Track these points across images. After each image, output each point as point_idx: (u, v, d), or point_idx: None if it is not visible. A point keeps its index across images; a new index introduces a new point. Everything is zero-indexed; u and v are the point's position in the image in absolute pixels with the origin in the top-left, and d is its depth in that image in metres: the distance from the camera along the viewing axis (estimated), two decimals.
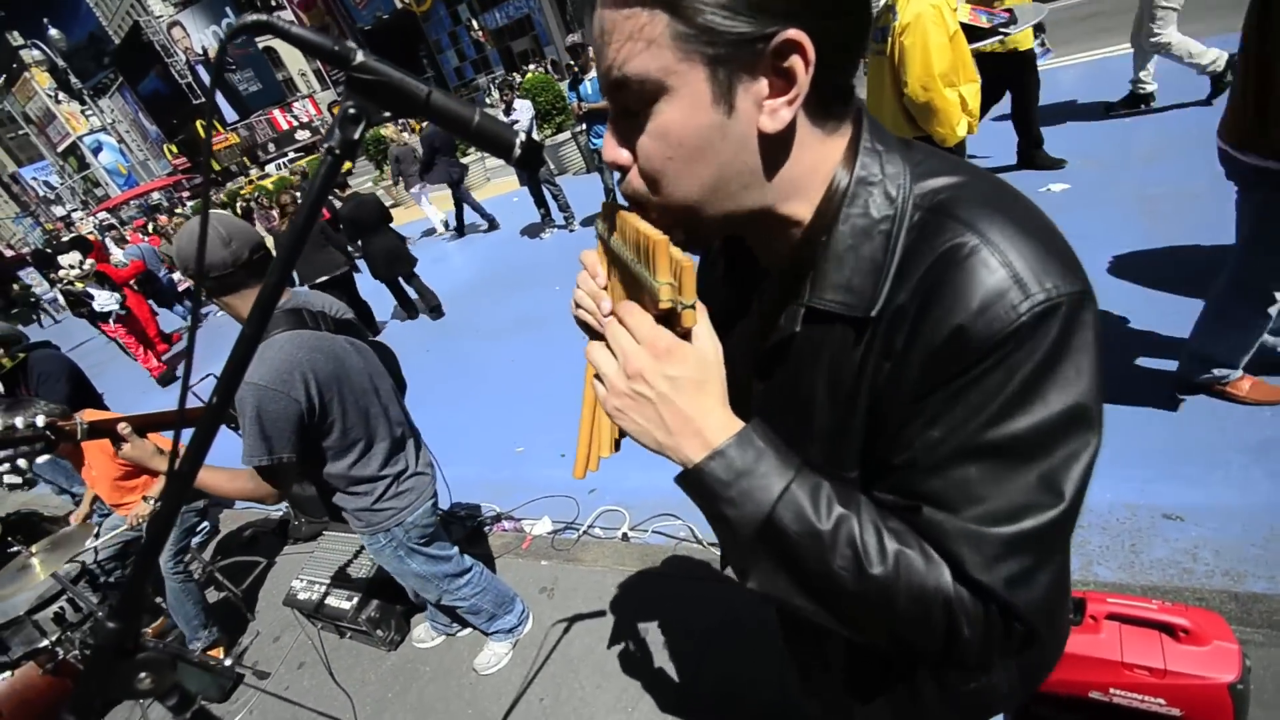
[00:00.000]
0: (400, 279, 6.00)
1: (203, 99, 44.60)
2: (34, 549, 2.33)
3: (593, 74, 5.66)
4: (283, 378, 1.52)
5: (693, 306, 0.52)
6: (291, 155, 33.84)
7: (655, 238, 0.50)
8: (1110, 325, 2.72)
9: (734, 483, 0.51)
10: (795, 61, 0.47)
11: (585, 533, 2.90)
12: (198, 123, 44.57)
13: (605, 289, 0.61)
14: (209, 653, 2.80)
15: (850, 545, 0.50)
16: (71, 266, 7.28)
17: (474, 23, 30.85)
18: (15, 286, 16.79)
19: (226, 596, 3.11)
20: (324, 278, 5.42)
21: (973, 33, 3.10)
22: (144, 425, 1.60)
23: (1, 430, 1.39)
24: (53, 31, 19.89)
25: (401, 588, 2.36)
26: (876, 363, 0.52)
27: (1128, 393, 2.37)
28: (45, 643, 2.46)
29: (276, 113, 42.60)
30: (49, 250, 8.50)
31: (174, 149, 48.50)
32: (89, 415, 1.74)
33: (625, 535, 2.81)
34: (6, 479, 1.48)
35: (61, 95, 42.51)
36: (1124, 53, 4.96)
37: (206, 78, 43.13)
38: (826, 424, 0.57)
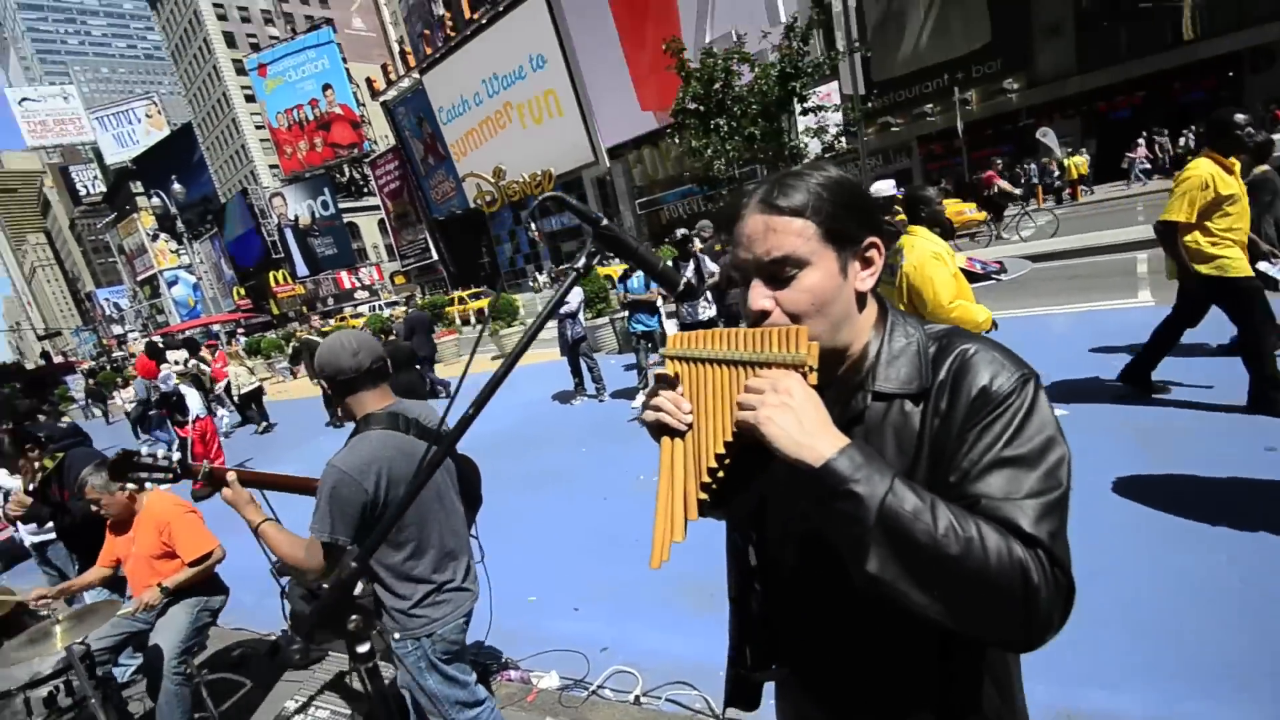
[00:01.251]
0: None
1: (280, 255, 49.87)
2: (61, 617, 2.35)
3: (639, 273, 6.57)
4: (361, 469, 1.74)
5: (815, 370, 0.78)
6: (348, 311, 36.64)
7: (796, 327, 0.80)
8: None
9: (857, 472, 0.73)
10: (874, 254, 0.86)
11: (595, 692, 2.78)
12: (270, 274, 49.14)
13: (681, 394, 0.87)
14: None
15: (946, 517, 0.70)
16: (176, 362, 7.81)
17: (532, 225, 35.30)
18: (57, 391, 17.55)
19: (205, 717, 2.93)
20: None
21: (969, 276, 3.70)
22: (247, 479, 1.81)
23: (147, 455, 1.62)
24: (176, 186, 23.59)
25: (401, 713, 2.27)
26: (930, 419, 0.82)
27: None
28: None
29: (344, 274, 47.03)
30: (161, 345, 9.21)
31: (241, 291, 52.98)
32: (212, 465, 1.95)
33: (638, 699, 2.70)
34: (154, 482, 1.67)
35: (160, 235, 47.70)
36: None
37: (291, 238, 48.67)
38: (895, 467, 0.81)
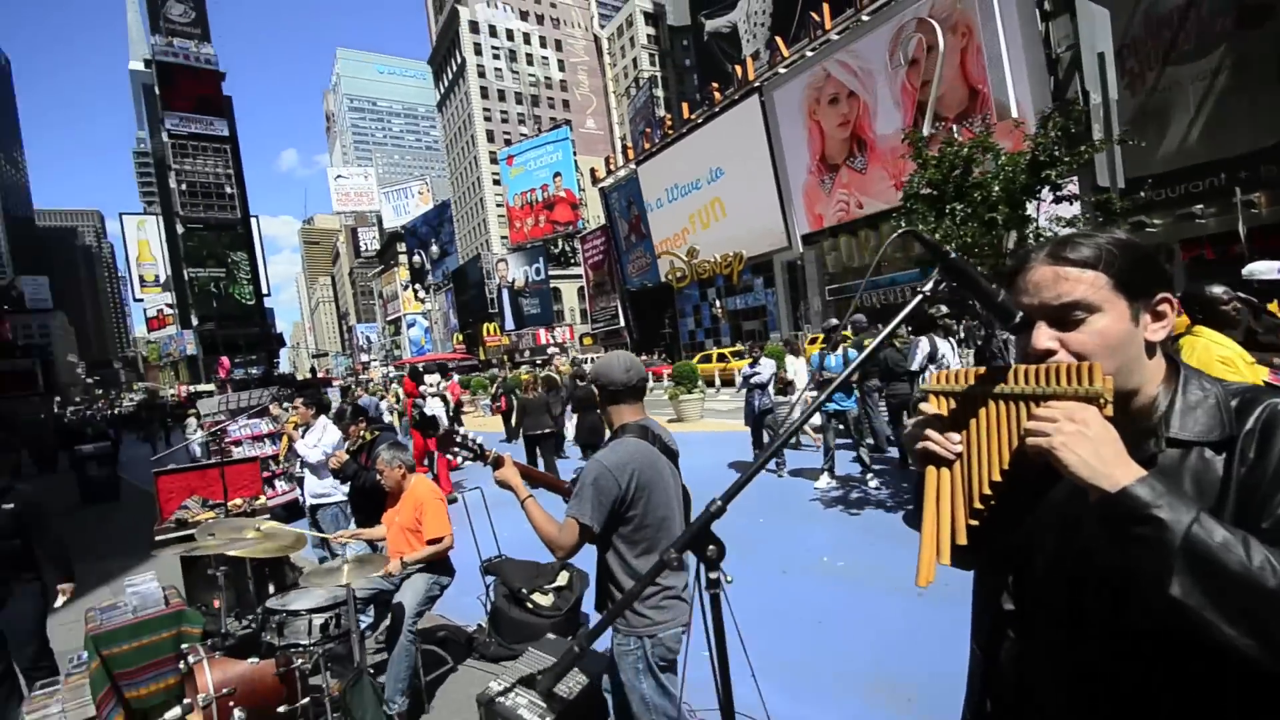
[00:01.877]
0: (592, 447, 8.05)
1: (495, 311, 57.34)
2: (349, 558, 2.90)
3: (839, 352, 6.47)
4: (619, 467, 1.98)
5: (1110, 403, 0.79)
6: (539, 361, 40.58)
7: (1089, 362, 0.81)
8: None
9: (1159, 499, 0.72)
10: (1166, 308, 0.87)
11: None
12: (485, 325, 56.34)
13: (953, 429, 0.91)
14: None
15: (1261, 552, 0.68)
16: (429, 385, 9.38)
17: (718, 303, 36.57)
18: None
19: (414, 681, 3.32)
20: (536, 431, 7.96)
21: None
22: (522, 471, 2.15)
23: (463, 436, 2.03)
24: (434, 249, 29.05)
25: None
26: (1237, 467, 0.80)
27: None
28: (303, 643, 2.88)
29: (542, 331, 52.49)
30: (420, 369, 11.33)
31: (460, 337, 61.43)
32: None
33: None
34: (461, 457, 2.08)
35: (415, 286, 57.58)
36: None
37: (506, 298, 55.68)
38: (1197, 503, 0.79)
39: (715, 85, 35.33)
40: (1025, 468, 0.83)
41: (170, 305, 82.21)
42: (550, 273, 55.38)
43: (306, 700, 3.12)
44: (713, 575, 1.01)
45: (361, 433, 4.50)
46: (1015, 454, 0.84)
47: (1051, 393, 0.82)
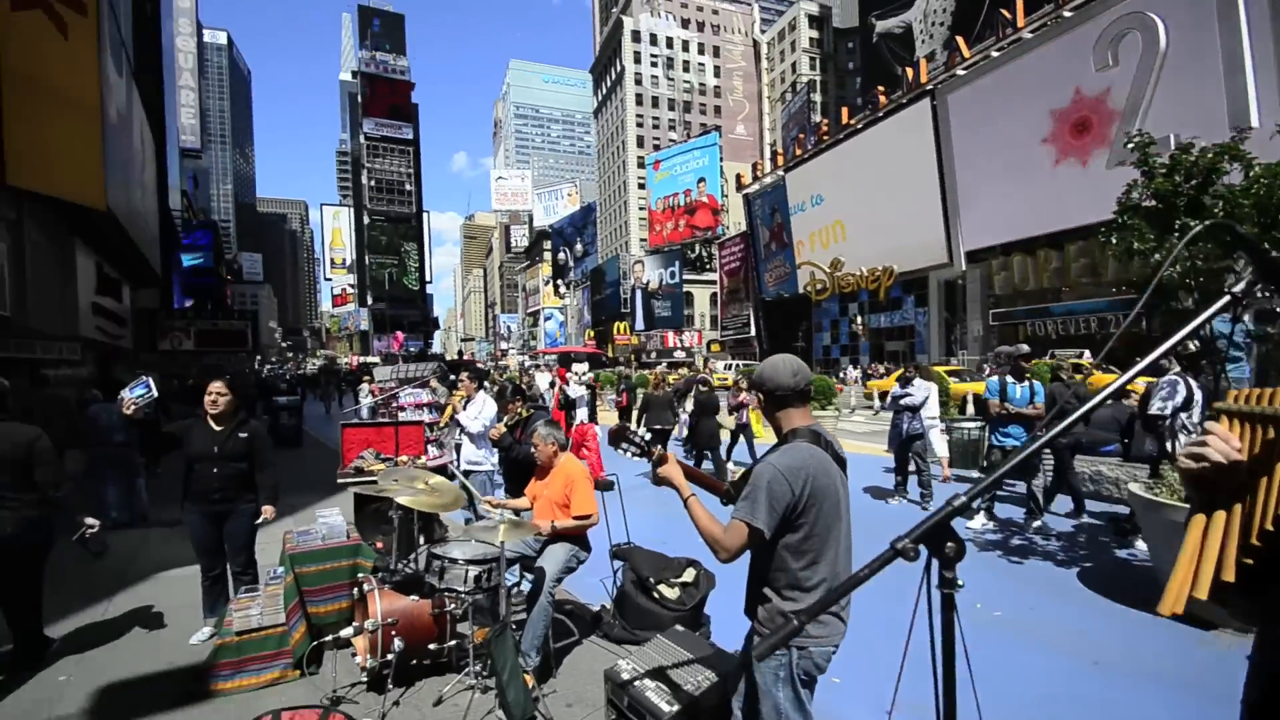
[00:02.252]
0: (708, 451, 8.55)
1: (627, 311, 58.97)
2: (507, 518, 3.12)
3: (1024, 384, 5.84)
4: (792, 471, 1.91)
5: None
6: (664, 364, 41.09)
7: None
8: None
9: None
10: None
11: None
12: (616, 324, 58.11)
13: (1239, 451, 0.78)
14: (525, 677, 3.13)
15: None
16: (576, 373, 10.01)
17: (859, 319, 34.68)
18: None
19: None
20: (657, 427, 8.58)
21: None
22: (690, 473, 2.17)
23: (633, 432, 2.10)
24: (578, 247, 30.74)
25: None
26: None
27: None
28: (459, 590, 3.14)
29: (670, 334, 53.13)
30: (571, 358, 12.27)
31: (591, 334, 63.96)
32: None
33: None
34: (630, 453, 2.16)
35: (558, 282, 60.96)
36: None
37: (639, 299, 57.01)
38: None
39: (881, 89, 33.50)
40: None
41: (351, 285, 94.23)
42: (684, 276, 55.93)
43: (453, 643, 3.40)
44: (948, 574, 0.94)
45: (519, 410, 4.84)
46: None
47: None
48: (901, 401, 6.77)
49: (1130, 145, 4.09)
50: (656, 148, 70.99)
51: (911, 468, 6.94)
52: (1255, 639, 0.92)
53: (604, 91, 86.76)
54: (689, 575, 4.01)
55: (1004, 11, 26.75)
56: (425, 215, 78.28)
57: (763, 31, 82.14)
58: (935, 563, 0.96)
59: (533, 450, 3.63)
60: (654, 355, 53.08)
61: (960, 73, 27.45)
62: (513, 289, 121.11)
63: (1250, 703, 0.91)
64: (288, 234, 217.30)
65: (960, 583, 0.97)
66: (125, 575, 5.19)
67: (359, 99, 75.02)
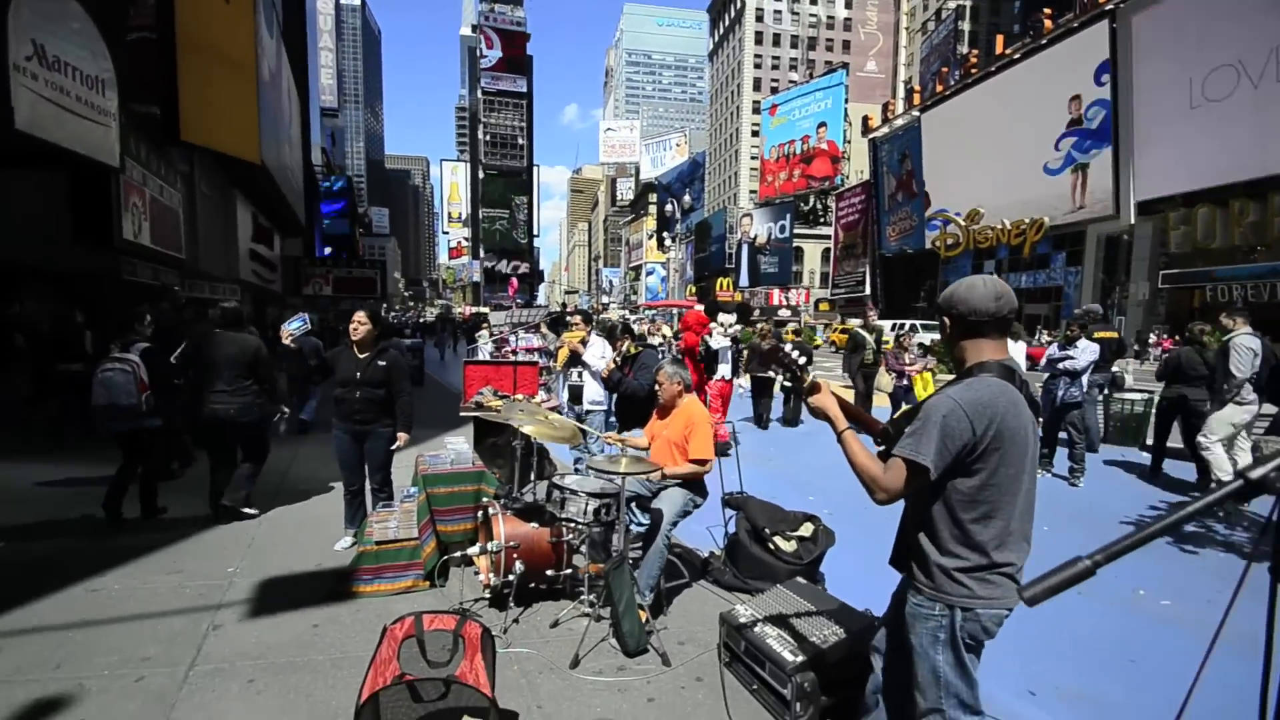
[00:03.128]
0: None
1: (731, 266, 57.54)
2: (629, 454, 3.08)
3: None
4: (977, 408, 1.64)
5: None
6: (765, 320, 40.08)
7: None
8: None
9: None
10: None
11: None
12: (719, 280, 56.99)
13: None
14: (640, 611, 3.13)
15: None
16: (721, 324, 9.74)
17: (994, 275, 31.55)
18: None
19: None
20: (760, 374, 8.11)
21: None
22: (844, 405, 1.95)
23: (786, 353, 1.91)
24: (687, 198, 30.11)
25: (858, 682, 2.18)
26: None
27: None
28: (579, 521, 3.17)
29: (776, 291, 51.30)
30: (717, 305, 12.09)
31: (693, 290, 63.29)
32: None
33: None
34: (798, 356, 1.99)
35: (658, 236, 60.63)
36: None
37: (745, 253, 55.38)
38: None
39: (1047, 11, 29.00)
40: None
41: (466, 239, 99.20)
42: (795, 231, 53.31)
43: (569, 571, 3.48)
44: None
45: (629, 347, 4.81)
46: None
47: None
48: (1060, 365, 5.98)
49: None
50: (774, 91, 67.12)
51: (1063, 438, 6.20)
52: None
53: (721, 31, 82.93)
54: (806, 530, 3.83)
55: None
56: (535, 169, 79.96)
57: None
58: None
59: (656, 387, 3.54)
60: (757, 313, 51.76)
61: None
62: (616, 243, 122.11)
63: None
64: (411, 189, 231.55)
65: None
66: (281, 485, 5.83)
67: (478, 53, 76.90)
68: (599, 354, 5.24)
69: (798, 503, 4.50)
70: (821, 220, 54.77)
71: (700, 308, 13.15)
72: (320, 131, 39.38)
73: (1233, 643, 3.14)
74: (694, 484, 3.47)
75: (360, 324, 4.14)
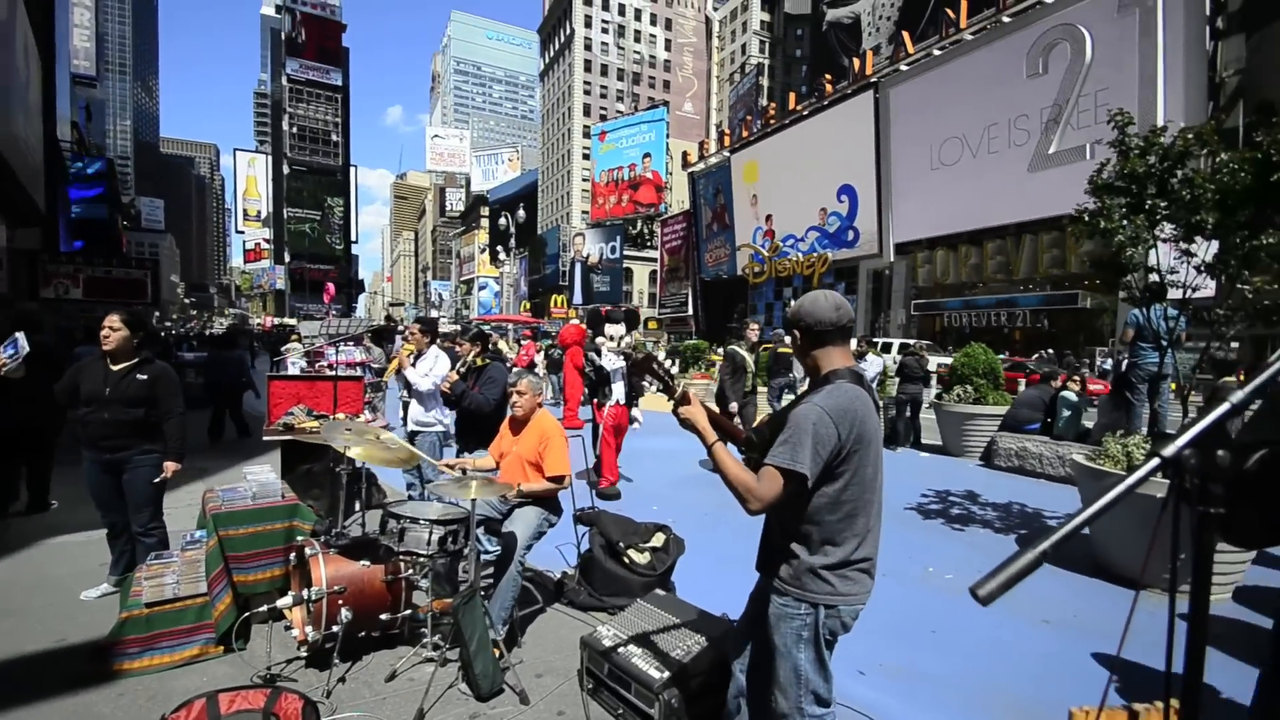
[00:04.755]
0: None
1: (565, 284, 58.02)
2: (479, 473, 2.81)
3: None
4: (840, 414, 1.73)
5: None
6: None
7: None
8: None
9: None
10: None
11: None
12: (553, 297, 57.11)
13: None
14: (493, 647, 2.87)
15: None
16: (611, 337, 9.11)
17: (792, 303, 35.66)
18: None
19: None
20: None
21: None
22: (712, 417, 1.93)
23: (659, 362, 1.84)
24: (520, 213, 29.69)
25: (723, 688, 2.18)
26: None
27: None
28: (421, 553, 2.82)
29: (608, 308, 52.69)
30: (604, 316, 11.41)
31: (528, 305, 62.59)
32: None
33: None
34: (655, 385, 1.89)
35: (498, 250, 59.12)
36: None
37: (578, 272, 56.21)
38: None
39: (828, 78, 33.93)
40: None
41: (267, 240, 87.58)
42: (625, 252, 55.43)
43: (408, 612, 3.08)
44: (1215, 490, 0.76)
45: (474, 356, 4.47)
46: None
47: None
48: None
49: (1113, 122, 4.16)
50: (603, 118, 69.46)
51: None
52: None
53: (551, 54, 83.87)
54: (658, 540, 3.84)
55: (949, 11, 27.58)
56: (353, 169, 73.50)
57: (715, 9, 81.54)
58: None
59: (514, 399, 3.30)
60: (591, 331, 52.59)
61: (904, 68, 28.21)
62: (446, 255, 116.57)
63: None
64: (195, 180, 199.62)
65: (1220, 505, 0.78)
66: (12, 535, 4.49)
67: (283, 36, 68.93)
68: (425, 370, 4.72)
69: (644, 514, 4.52)
70: (649, 244, 57.59)
71: (576, 321, 12.70)
72: (71, 102, 32.27)
73: (1023, 613, 3.68)
74: (548, 502, 3.29)
75: (112, 329, 3.38)
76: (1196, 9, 18.36)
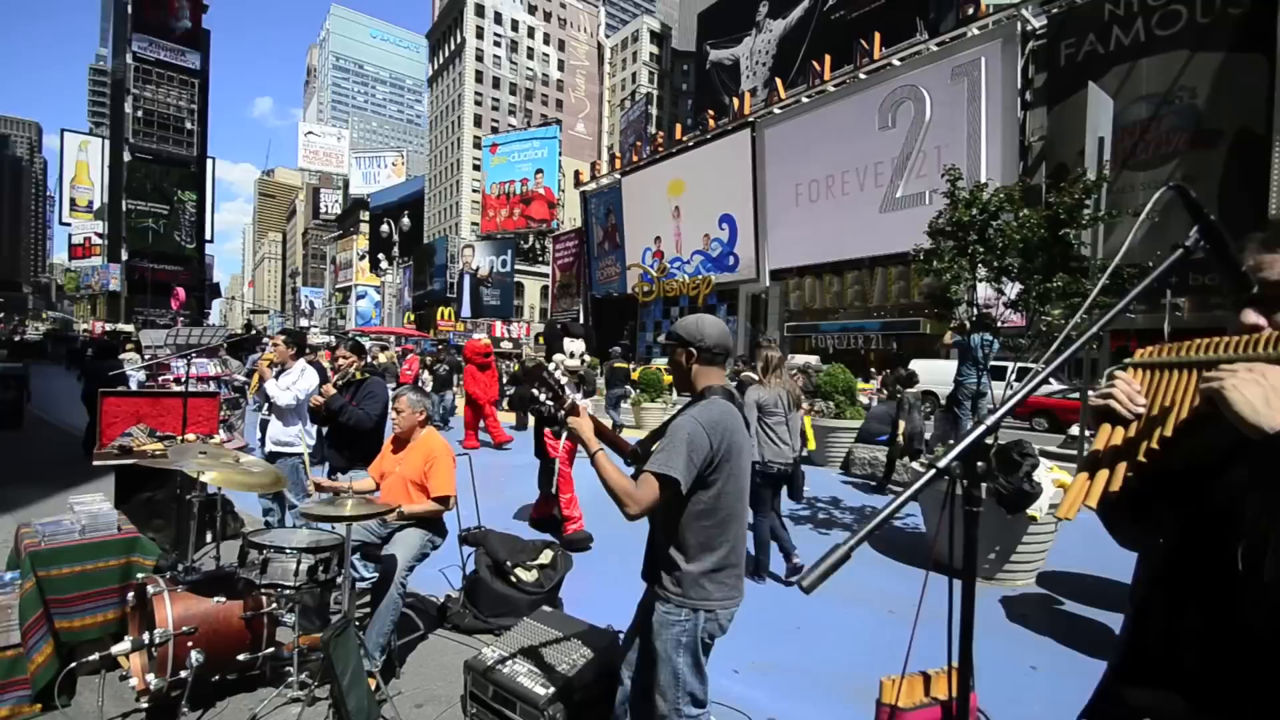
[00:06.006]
0: None
1: (453, 296, 56.07)
2: (355, 492, 2.68)
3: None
4: (714, 424, 1.90)
5: None
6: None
7: None
8: None
9: None
10: None
11: None
12: (440, 309, 54.95)
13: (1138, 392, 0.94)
14: (368, 679, 2.74)
15: None
16: (568, 354, 8.30)
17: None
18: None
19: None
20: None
21: None
22: (599, 428, 2.02)
23: (551, 373, 1.90)
24: (405, 221, 28.49)
25: (609, 698, 2.27)
26: None
27: None
28: (287, 585, 2.64)
29: (498, 323, 51.49)
30: (560, 328, 10.56)
31: (412, 317, 59.68)
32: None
33: None
34: (545, 395, 1.93)
35: (380, 257, 55.82)
36: None
37: (466, 284, 54.57)
38: None
39: (711, 113, 36.02)
40: (1204, 448, 0.86)
41: (100, 234, 76.44)
42: (516, 266, 54.65)
43: (271, 650, 2.87)
44: (975, 492, 0.95)
45: (352, 369, 4.22)
46: (1193, 415, 0.86)
47: (1249, 357, 0.85)
48: None
49: (945, 175, 4.86)
50: (495, 130, 68.48)
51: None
52: (1142, 549, 1.05)
53: (440, 61, 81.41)
54: (545, 557, 3.86)
55: (815, 63, 30.38)
56: (210, 162, 66.43)
57: (607, 36, 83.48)
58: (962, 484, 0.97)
59: (393, 416, 3.18)
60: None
61: (777, 111, 30.71)
62: (319, 260, 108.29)
63: (1136, 607, 1.03)
64: (9, 160, 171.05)
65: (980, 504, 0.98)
66: None
67: (128, 9, 61.32)
68: (288, 383, 4.35)
69: (533, 531, 4.52)
70: (541, 259, 57.25)
71: (481, 337, 11.92)
72: None
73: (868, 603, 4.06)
74: (432, 523, 3.22)
75: None
76: (1010, 81, 21.69)
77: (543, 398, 1.92)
